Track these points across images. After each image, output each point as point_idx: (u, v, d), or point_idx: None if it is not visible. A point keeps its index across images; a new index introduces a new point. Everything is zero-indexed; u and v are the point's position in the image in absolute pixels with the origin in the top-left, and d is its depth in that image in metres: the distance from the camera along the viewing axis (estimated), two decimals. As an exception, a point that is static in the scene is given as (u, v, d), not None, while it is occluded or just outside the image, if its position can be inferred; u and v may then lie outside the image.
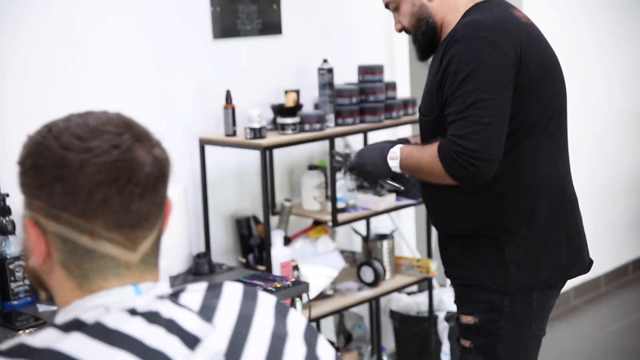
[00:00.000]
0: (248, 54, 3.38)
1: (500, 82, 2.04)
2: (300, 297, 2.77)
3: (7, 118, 2.72)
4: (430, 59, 2.31)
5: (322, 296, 3.23)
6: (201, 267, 2.91)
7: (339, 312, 3.43)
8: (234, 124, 3.11)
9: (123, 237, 1.07)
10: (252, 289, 1.23)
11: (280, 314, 1.19)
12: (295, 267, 3.09)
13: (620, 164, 5.27)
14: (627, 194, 5.36)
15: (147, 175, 1.07)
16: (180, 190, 2.98)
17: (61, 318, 1.05)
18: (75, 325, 1.02)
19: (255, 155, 3.17)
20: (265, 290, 2.64)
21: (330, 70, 3.22)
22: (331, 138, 3.14)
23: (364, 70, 3.36)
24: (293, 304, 2.76)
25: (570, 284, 4.80)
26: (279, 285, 2.69)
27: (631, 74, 5.29)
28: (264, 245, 3.06)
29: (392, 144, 2.30)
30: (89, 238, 1.06)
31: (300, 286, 2.75)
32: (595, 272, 4.96)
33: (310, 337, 1.18)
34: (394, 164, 2.24)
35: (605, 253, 5.02)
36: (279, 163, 3.49)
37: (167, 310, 1.08)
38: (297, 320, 1.20)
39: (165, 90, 3.15)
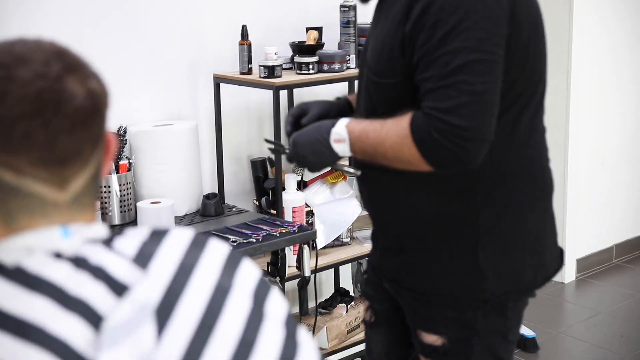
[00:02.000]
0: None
1: (494, 37, 1.57)
2: (309, 244, 2.68)
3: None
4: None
5: (338, 243, 3.15)
6: (209, 209, 2.83)
7: (356, 261, 3.34)
8: (249, 61, 2.99)
9: (50, 174, 0.98)
10: (203, 237, 1.12)
11: (230, 265, 1.09)
12: (310, 213, 3.00)
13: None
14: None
15: (77, 109, 0.97)
16: (192, 127, 2.89)
17: (-19, 258, 0.97)
18: None
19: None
20: (269, 235, 2.56)
21: (353, 8, 3.07)
22: (351, 80, 3.01)
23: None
24: (301, 250, 2.68)
25: (613, 241, 4.69)
26: (283, 231, 2.60)
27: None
28: (277, 189, 2.96)
29: (332, 122, 1.75)
30: (13, 174, 0.97)
31: (307, 233, 2.65)
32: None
33: (260, 292, 1.08)
34: (341, 148, 1.72)
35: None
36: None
37: (97, 255, 0.99)
38: (248, 273, 1.09)
39: (178, 24, 3.04)
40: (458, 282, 1.76)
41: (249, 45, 2.99)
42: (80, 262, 0.97)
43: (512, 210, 1.74)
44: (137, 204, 2.71)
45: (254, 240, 2.52)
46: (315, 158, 1.76)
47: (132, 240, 1.04)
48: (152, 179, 2.82)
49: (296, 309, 3.30)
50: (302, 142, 1.77)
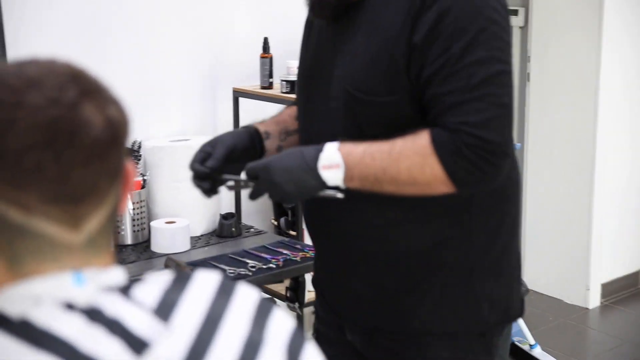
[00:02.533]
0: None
1: (509, 48, 1.49)
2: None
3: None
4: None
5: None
6: (226, 229, 2.71)
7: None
8: (270, 75, 2.88)
9: (62, 212, 0.86)
10: (231, 282, 1.00)
11: (261, 315, 0.97)
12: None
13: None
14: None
15: (94, 139, 0.85)
16: (209, 144, 2.78)
17: (-16, 308, 0.85)
18: None
19: (293, 110, 2.95)
20: (289, 260, 2.43)
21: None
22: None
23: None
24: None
25: (638, 266, 4.55)
26: (305, 255, 2.47)
27: None
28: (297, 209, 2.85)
29: (314, 148, 1.50)
30: (21, 211, 0.85)
31: (329, 257, 2.53)
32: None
33: (295, 346, 0.96)
34: (332, 175, 1.48)
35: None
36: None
37: (114, 305, 0.87)
38: (280, 324, 0.97)
39: (198, 35, 2.93)
40: (453, 315, 1.59)
41: (271, 59, 2.89)
42: (94, 314, 0.86)
43: (502, 235, 1.62)
44: (151, 223, 2.60)
45: (274, 266, 2.40)
46: (294, 188, 1.49)
47: (153, 287, 0.92)
48: (167, 197, 2.70)
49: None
50: (277, 169, 1.49)
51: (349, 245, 1.61)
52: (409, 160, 1.45)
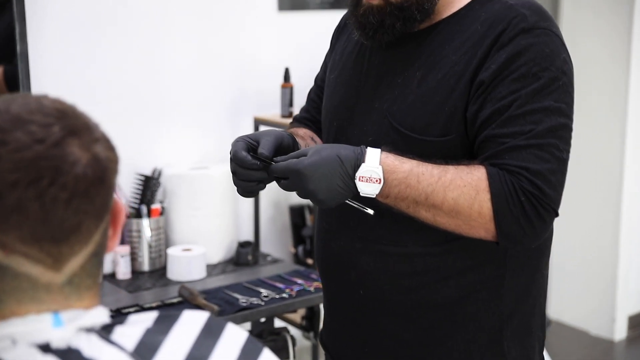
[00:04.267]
0: (313, 29, 3.14)
1: (573, 105, 1.41)
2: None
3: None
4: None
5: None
6: (243, 257, 2.71)
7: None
8: (290, 104, 2.88)
9: (43, 253, 0.86)
10: (219, 322, 0.99)
11: (247, 357, 0.96)
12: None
13: None
14: None
15: (78, 177, 0.85)
16: (229, 171, 2.77)
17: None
18: None
19: (313, 140, 2.94)
20: (303, 290, 2.42)
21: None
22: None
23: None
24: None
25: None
26: (320, 286, 2.45)
27: None
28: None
29: (354, 152, 1.37)
30: (1, 251, 0.85)
31: (343, 288, 2.51)
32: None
33: None
34: (369, 189, 1.36)
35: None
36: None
37: (91, 348, 0.86)
38: (267, 366, 0.96)
39: (220, 65, 2.95)
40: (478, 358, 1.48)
41: (291, 88, 2.89)
42: (69, 356, 0.85)
43: (533, 293, 1.52)
44: (168, 250, 2.60)
45: (287, 296, 2.38)
46: (327, 195, 1.36)
47: (134, 329, 0.91)
48: (185, 225, 2.71)
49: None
50: (313, 175, 1.34)
51: (368, 293, 1.51)
52: (459, 191, 1.34)
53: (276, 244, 3.14)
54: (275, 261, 2.77)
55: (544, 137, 1.34)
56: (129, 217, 2.64)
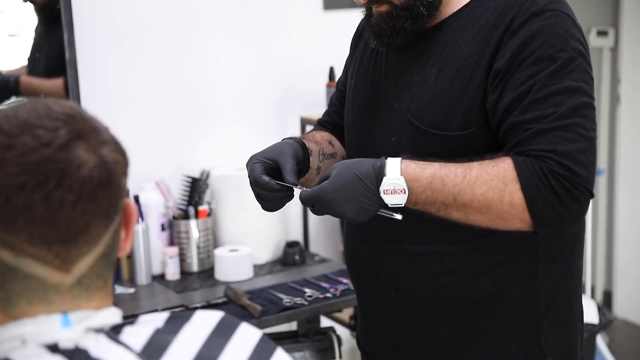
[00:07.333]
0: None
1: (593, 83, 1.39)
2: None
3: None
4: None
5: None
6: (290, 257, 2.71)
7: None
8: (336, 104, 2.87)
9: (51, 254, 0.88)
10: (232, 320, 0.99)
11: (259, 357, 0.96)
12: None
13: None
14: None
15: (84, 179, 0.86)
16: (276, 172, 2.79)
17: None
18: None
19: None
20: (348, 290, 2.41)
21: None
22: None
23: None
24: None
25: None
26: (364, 285, 2.45)
27: None
28: (362, 237, 2.82)
29: (373, 166, 1.37)
30: (10, 253, 0.87)
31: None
32: None
33: None
34: (396, 200, 1.36)
35: None
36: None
37: (98, 348, 0.88)
38: (281, 365, 0.96)
39: (265, 65, 2.96)
40: (517, 346, 1.47)
41: (336, 87, 2.88)
42: (77, 356, 0.86)
43: (567, 283, 1.50)
44: (215, 251, 2.62)
45: (331, 295, 2.38)
46: (356, 213, 1.37)
47: (143, 329, 0.92)
48: (232, 225, 2.73)
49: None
50: (337, 199, 1.36)
51: (399, 294, 1.51)
52: (486, 186, 1.32)
53: (325, 243, 3.14)
54: (322, 261, 2.77)
55: (568, 118, 1.32)
56: (176, 218, 2.67)
